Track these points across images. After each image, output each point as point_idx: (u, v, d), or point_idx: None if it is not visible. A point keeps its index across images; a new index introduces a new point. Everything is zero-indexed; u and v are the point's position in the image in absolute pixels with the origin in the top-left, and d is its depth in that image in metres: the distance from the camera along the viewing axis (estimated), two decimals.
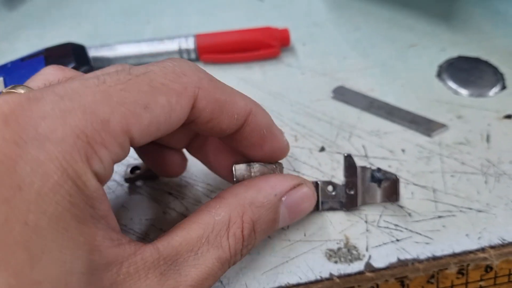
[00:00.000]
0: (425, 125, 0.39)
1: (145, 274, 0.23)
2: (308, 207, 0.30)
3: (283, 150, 0.31)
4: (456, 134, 0.38)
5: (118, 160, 0.23)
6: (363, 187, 0.33)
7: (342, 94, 0.42)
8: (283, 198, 0.28)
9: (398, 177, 0.32)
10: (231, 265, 0.27)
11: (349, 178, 0.33)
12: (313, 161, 0.37)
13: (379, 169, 0.32)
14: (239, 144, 0.29)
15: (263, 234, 0.28)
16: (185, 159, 0.35)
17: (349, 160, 0.33)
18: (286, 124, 0.40)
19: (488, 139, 0.37)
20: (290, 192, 0.29)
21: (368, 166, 0.34)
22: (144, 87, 0.23)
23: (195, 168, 0.37)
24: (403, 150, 0.37)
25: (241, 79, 0.44)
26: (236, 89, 0.28)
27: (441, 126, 0.39)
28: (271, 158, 0.31)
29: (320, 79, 0.43)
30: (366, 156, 0.37)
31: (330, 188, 0.33)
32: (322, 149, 0.38)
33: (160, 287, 0.23)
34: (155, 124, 0.23)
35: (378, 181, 0.32)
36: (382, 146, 0.38)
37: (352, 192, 0.33)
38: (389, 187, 0.32)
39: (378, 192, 0.33)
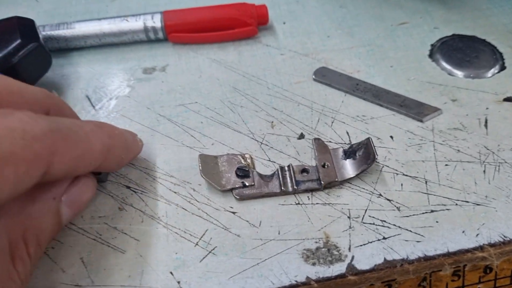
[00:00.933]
0: (416, 109, 0.35)
1: None
2: (89, 196, 0.29)
3: (138, 152, 0.32)
4: (450, 119, 0.35)
5: None
6: (338, 165, 0.32)
7: (325, 76, 0.38)
8: (63, 198, 0.27)
9: (369, 138, 0.31)
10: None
11: (321, 156, 0.32)
12: (291, 150, 0.33)
13: (351, 145, 0.32)
14: (100, 169, 0.29)
15: (46, 244, 0.26)
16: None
17: (318, 142, 0.33)
18: (261, 109, 0.36)
19: (486, 124, 0.34)
20: (68, 188, 0.27)
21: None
22: None
23: (157, 158, 0.33)
24: (391, 137, 0.33)
25: (213, 61, 0.40)
26: (94, 129, 0.27)
27: (434, 110, 0.35)
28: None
29: (301, 60, 0.40)
30: (350, 143, 0.33)
31: (304, 173, 0.32)
32: (301, 136, 0.34)
33: None
34: None
35: (353, 153, 0.32)
36: (368, 132, 0.34)
37: (327, 166, 0.31)
38: (365, 153, 0.31)
39: (355, 164, 0.31)
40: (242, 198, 0.31)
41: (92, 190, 0.29)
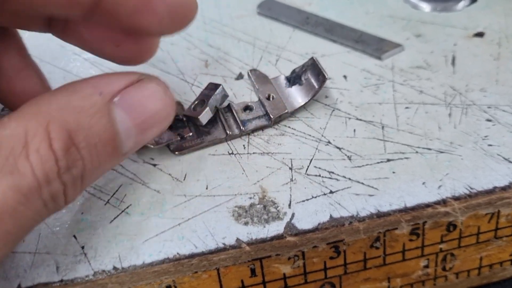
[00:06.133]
0: (374, 45, 0.30)
1: None
2: (160, 107, 0.21)
3: (187, 4, 0.22)
4: (413, 56, 0.31)
5: None
6: (284, 95, 0.28)
7: (271, 9, 0.33)
8: (116, 99, 0.20)
9: (314, 57, 0.27)
10: (51, 200, 0.19)
11: (263, 88, 0.28)
12: (227, 92, 0.28)
13: (293, 70, 0.28)
14: (117, 22, 0.21)
15: (100, 153, 0.20)
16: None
17: (255, 73, 0.28)
18: (195, 46, 0.31)
19: (453, 62, 0.30)
20: (126, 90, 0.20)
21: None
22: None
23: None
24: (345, 77, 0.29)
25: None
26: None
27: (395, 46, 0.30)
28: (174, 23, 0.22)
29: None
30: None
31: (247, 111, 0.27)
32: (240, 77, 0.29)
33: None
34: None
35: (298, 78, 0.28)
36: None
37: (273, 98, 0.27)
38: (312, 75, 0.27)
39: (303, 90, 0.28)
40: (183, 153, 0.26)
41: (165, 103, 0.21)
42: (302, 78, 0.28)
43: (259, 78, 0.28)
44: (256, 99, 0.28)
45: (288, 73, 0.29)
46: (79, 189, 0.20)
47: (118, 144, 0.20)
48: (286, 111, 0.27)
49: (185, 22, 0.22)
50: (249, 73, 0.28)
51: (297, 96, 0.27)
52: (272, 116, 0.27)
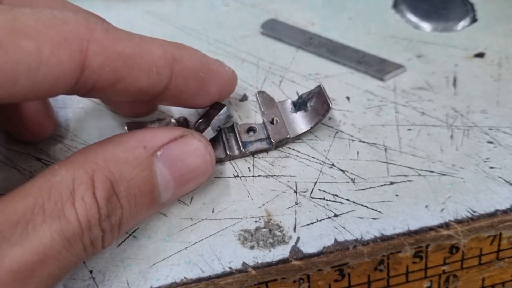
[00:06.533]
0: (376, 66, 0.31)
1: None
2: (199, 163, 0.23)
3: (231, 83, 0.26)
4: (415, 77, 0.31)
5: None
6: (288, 120, 0.28)
7: (274, 29, 0.33)
8: (158, 153, 0.21)
9: (321, 84, 0.27)
10: (90, 245, 0.20)
11: (268, 111, 0.28)
12: (232, 113, 0.29)
13: (300, 96, 0.28)
14: (179, 100, 0.24)
15: (139, 203, 0.21)
16: (51, 118, 0.28)
17: (263, 95, 0.29)
18: None
19: (454, 83, 0.30)
20: (169, 145, 0.22)
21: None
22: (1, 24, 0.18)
23: (74, 125, 0.28)
24: (347, 98, 0.29)
25: (147, 13, 0.35)
26: (150, 37, 0.23)
27: (397, 67, 0.31)
28: (221, 98, 0.26)
29: (248, 11, 0.35)
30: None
31: (250, 133, 0.28)
32: (244, 98, 0.30)
33: None
34: (9, 72, 0.18)
35: (303, 105, 0.28)
36: None
37: (276, 122, 0.28)
38: (317, 102, 0.27)
39: (307, 116, 0.28)
40: None
41: (204, 159, 0.23)
42: (308, 105, 0.28)
43: (265, 100, 0.28)
44: (260, 121, 0.28)
45: (292, 95, 0.29)
46: (116, 235, 0.21)
47: (156, 195, 0.21)
48: (288, 136, 0.27)
49: (227, 95, 0.26)
50: (257, 95, 0.29)
51: (300, 122, 0.28)
52: (273, 140, 0.27)
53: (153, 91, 0.22)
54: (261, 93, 0.29)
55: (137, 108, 0.28)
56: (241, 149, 0.27)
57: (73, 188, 0.19)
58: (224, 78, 0.25)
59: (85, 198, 0.19)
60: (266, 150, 0.27)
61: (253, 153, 0.27)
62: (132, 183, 0.20)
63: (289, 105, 0.28)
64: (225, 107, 0.26)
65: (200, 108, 0.27)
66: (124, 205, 0.20)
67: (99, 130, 0.28)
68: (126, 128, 0.27)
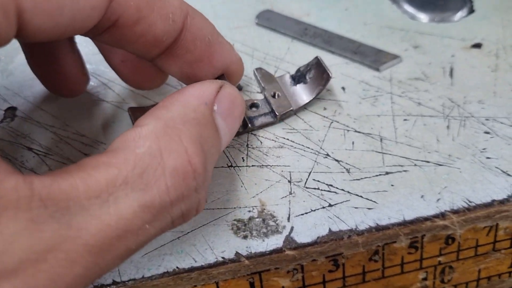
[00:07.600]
0: (372, 57, 0.30)
1: None
2: (241, 111, 0.23)
3: (238, 63, 0.25)
4: (411, 68, 0.30)
5: None
6: (288, 93, 0.28)
7: (269, 20, 0.33)
8: (215, 107, 0.21)
9: (318, 56, 0.28)
10: (180, 216, 0.19)
11: (268, 86, 0.28)
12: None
13: (298, 69, 0.29)
14: (183, 65, 0.23)
15: (213, 162, 0.21)
16: (85, 74, 0.28)
17: (261, 71, 0.29)
18: None
19: (451, 73, 0.30)
20: (219, 99, 0.22)
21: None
22: None
23: (66, 114, 0.28)
24: (343, 88, 0.29)
25: None
26: None
27: (393, 57, 0.30)
28: (231, 79, 0.25)
29: (243, 1, 0.35)
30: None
31: (253, 108, 0.28)
32: (239, 88, 0.29)
33: (29, 239, 0.15)
34: (55, 3, 0.17)
35: (303, 77, 0.28)
36: None
37: (278, 96, 0.28)
38: (316, 73, 0.28)
39: (308, 88, 0.28)
40: None
41: (243, 106, 0.23)
42: (307, 77, 0.28)
43: (264, 76, 0.29)
44: (261, 97, 0.28)
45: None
46: (204, 200, 0.20)
47: (220, 149, 0.22)
48: (291, 108, 0.27)
49: (235, 76, 0.25)
50: (255, 72, 0.29)
51: (302, 94, 0.28)
52: (277, 113, 0.27)
53: (166, 41, 0.22)
54: (259, 69, 0.29)
55: (143, 75, 0.27)
56: (248, 124, 0.27)
57: (161, 158, 0.18)
58: (231, 55, 0.25)
59: (178, 167, 0.18)
60: (271, 124, 0.27)
61: (259, 127, 0.27)
62: (209, 142, 0.20)
63: (288, 79, 0.29)
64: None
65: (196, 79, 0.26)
66: (209, 166, 0.20)
67: (90, 120, 0.28)
68: (129, 113, 0.27)
